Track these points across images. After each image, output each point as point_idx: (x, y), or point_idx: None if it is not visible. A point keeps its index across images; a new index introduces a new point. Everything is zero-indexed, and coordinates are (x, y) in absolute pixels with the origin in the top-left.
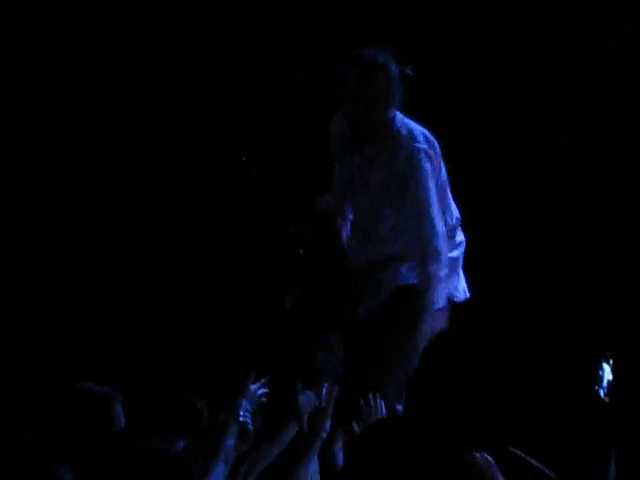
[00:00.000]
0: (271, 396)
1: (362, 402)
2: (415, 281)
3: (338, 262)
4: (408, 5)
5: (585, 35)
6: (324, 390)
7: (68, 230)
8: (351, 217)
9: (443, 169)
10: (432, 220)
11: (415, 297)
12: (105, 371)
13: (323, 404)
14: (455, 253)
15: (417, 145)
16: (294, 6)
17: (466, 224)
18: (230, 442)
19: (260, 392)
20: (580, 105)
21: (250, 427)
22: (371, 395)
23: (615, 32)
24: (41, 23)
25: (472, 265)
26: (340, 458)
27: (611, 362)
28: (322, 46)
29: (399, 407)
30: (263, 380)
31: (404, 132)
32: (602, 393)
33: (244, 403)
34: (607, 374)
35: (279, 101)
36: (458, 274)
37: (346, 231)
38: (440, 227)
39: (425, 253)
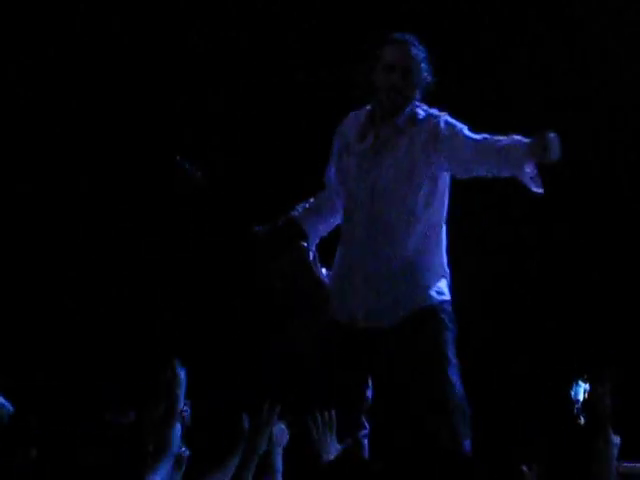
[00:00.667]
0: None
1: None
2: (432, 301)
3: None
4: (408, 5)
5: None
6: (265, 407)
7: (68, 230)
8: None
9: None
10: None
11: (434, 317)
12: (105, 370)
13: (263, 421)
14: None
15: (437, 116)
16: (294, 6)
17: (463, 227)
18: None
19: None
20: (581, 106)
21: (187, 417)
22: None
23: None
24: (41, 23)
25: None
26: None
27: (587, 383)
28: (322, 46)
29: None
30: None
31: (422, 113)
32: (577, 413)
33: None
34: (581, 394)
35: (279, 101)
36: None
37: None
38: None
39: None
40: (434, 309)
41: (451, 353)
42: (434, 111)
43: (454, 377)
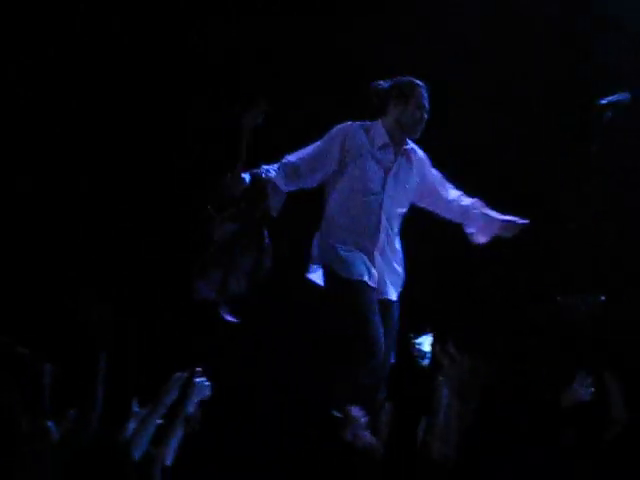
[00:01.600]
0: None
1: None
2: None
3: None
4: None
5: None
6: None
7: (68, 230)
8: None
9: None
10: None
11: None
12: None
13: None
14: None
15: (425, 159)
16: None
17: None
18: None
19: None
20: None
21: None
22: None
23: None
24: (41, 23)
25: None
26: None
27: (431, 334)
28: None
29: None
30: None
31: (416, 147)
32: (417, 356)
33: None
34: (426, 344)
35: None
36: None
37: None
38: None
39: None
40: None
41: None
42: (420, 150)
43: None
